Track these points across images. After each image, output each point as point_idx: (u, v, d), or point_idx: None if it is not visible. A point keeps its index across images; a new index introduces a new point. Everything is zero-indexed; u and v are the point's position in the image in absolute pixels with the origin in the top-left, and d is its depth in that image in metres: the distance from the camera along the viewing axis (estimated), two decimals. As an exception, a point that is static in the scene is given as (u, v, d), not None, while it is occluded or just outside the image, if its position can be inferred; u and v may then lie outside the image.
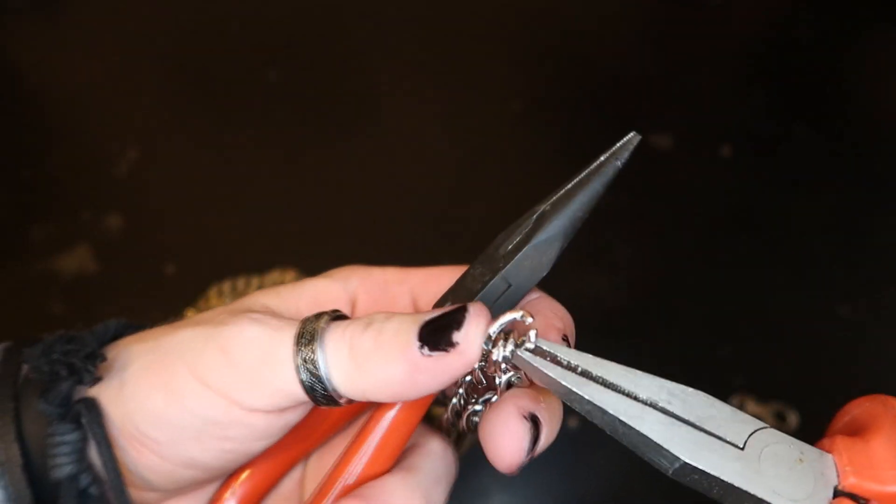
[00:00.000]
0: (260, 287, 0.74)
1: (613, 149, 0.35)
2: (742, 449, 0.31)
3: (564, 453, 0.69)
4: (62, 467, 0.33)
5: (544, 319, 0.34)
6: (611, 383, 0.31)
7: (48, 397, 0.33)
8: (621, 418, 0.30)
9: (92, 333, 0.37)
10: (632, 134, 0.35)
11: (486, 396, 0.35)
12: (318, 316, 0.33)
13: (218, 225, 0.82)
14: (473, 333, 0.31)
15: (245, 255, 0.78)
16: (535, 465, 0.68)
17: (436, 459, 0.36)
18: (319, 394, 0.32)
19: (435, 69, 0.93)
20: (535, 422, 0.32)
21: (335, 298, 0.38)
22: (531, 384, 0.33)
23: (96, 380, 0.34)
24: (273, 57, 0.94)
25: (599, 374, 0.31)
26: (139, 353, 0.35)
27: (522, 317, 0.32)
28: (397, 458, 0.35)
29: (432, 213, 0.79)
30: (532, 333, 0.32)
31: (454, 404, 0.36)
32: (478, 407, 0.35)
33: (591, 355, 0.32)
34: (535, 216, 0.35)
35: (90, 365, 0.34)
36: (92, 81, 0.93)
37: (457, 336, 0.31)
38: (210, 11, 0.99)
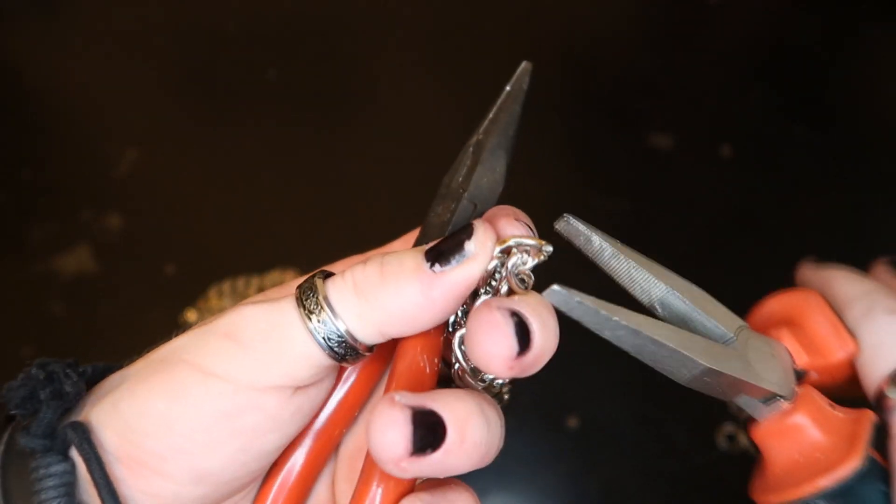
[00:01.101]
0: (260, 287, 0.75)
1: (513, 80, 0.38)
2: (737, 347, 0.36)
3: (564, 453, 0.69)
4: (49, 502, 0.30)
5: (498, 212, 0.35)
6: (631, 275, 0.37)
7: (31, 429, 0.31)
8: (653, 337, 0.33)
9: (69, 364, 0.35)
10: (523, 63, 0.38)
11: None
12: (308, 277, 0.33)
13: (218, 225, 0.82)
14: (484, 238, 0.31)
15: (245, 255, 0.79)
16: (536, 465, 0.68)
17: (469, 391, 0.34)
18: (336, 344, 0.31)
19: (435, 69, 0.93)
20: (519, 317, 0.30)
21: None
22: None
23: (79, 387, 0.32)
24: (273, 57, 0.94)
25: (622, 263, 0.37)
26: (132, 371, 0.33)
27: (542, 245, 0.33)
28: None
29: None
30: (547, 247, 0.33)
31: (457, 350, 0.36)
32: None
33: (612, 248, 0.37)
34: (471, 148, 0.37)
35: (69, 370, 0.33)
36: (92, 81, 0.93)
37: (469, 245, 0.31)
38: (210, 11, 0.99)
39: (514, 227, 0.34)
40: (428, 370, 0.33)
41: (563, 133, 0.88)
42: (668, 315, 0.37)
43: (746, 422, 0.39)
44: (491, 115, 0.38)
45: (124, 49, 0.96)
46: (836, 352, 0.39)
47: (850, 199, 0.82)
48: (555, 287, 0.31)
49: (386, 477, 0.31)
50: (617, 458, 0.69)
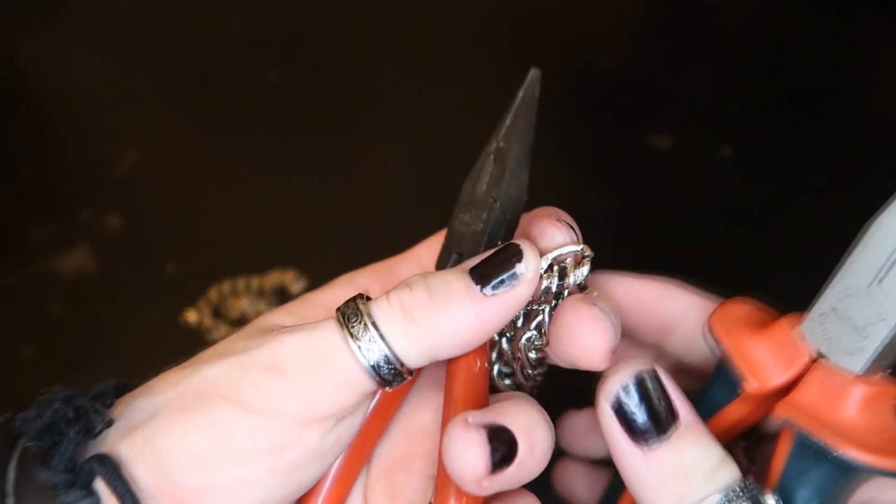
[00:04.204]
0: (260, 287, 0.74)
1: (525, 86, 0.38)
2: None
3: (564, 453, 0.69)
4: None
5: (536, 213, 0.36)
6: None
7: (51, 462, 0.29)
8: None
9: (88, 389, 0.33)
10: (532, 70, 0.38)
11: (538, 320, 0.36)
12: (349, 301, 0.32)
13: (218, 225, 0.82)
14: (534, 262, 0.32)
15: (245, 255, 0.79)
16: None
17: (523, 396, 0.35)
18: (384, 370, 0.30)
19: (435, 70, 0.93)
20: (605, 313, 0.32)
21: (348, 297, 0.36)
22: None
23: (108, 423, 0.30)
24: (273, 58, 0.94)
25: None
26: (162, 402, 0.31)
27: (584, 250, 0.34)
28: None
29: (433, 213, 0.79)
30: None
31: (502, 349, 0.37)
32: (538, 342, 0.36)
33: None
34: (491, 155, 0.37)
35: (98, 405, 0.31)
36: (92, 81, 0.93)
37: (520, 267, 0.31)
38: (210, 12, 0.99)
39: (558, 229, 0.34)
40: (480, 378, 0.34)
41: (561, 132, 0.88)
42: None
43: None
44: (508, 122, 0.38)
45: (124, 49, 0.96)
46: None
47: (851, 199, 0.82)
48: None
49: (461, 494, 0.32)
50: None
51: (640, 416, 0.31)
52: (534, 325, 0.35)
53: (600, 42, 0.96)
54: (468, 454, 0.29)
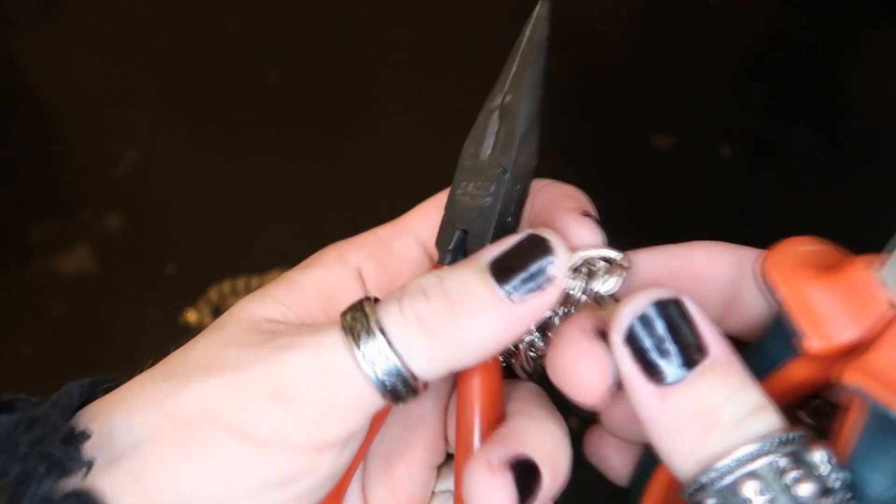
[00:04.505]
0: (260, 287, 0.74)
1: (531, 24, 0.33)
2: None
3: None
4: None
5: (555, 201, 0.32)
6: None
7: (21, 501, 0.25)
8: None
9: (54, 406, 0.29)
10: (539, 6, 0.33)
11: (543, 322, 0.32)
12: (355, 308, 0.28)
13: (218, 225, 0.82)
14: (566, 263, 0.28)
15: (245, 255, 0.78)
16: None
17: (534, 393, 0.32)
18: (401, 389, 0.27)
19: (435, 70, 0.93)
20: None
21: (340, 280, 0.34)
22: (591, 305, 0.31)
23: (88, 465, 0.27)
24: (273, 58, 0.94)
25: None
26: (147, 426, 0.28)
27: (622, 260, 0.30)
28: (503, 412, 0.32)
29: (432, 213, 0.79)
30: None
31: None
32: (540, 344, 0.32)
33: None
34: (496, 112, 0.33)
35: (73, 451, 0.27)
36: (92, 81, 0.93)
37: (552, 269, 0.28)
38: (210, 12, 0.99)
39: (586, 228, 0.31)
40: (495, 371, 0.31)
41: (562, 132, 0.87)
42: None
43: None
44: (514, 70, 0.33)
45: (124, 49, 0.96)
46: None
47: (851, 199, 0.82)
48: None
49: None
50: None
51: (653, 347, 0.27)
52: (537, 327, 0.32)
53: (600, 42, 0.96)
54: (496, 500, 0.27)
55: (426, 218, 0.36)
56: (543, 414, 0.31)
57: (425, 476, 0.34)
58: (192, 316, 0.74)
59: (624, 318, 0.27)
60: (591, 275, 0.31)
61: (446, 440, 0.34)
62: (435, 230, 0.34)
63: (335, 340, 0.27)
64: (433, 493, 0.35)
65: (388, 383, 0.27)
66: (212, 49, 0.96)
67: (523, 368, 0.34)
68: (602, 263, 0.31)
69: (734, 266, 0.34)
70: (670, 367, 0.27)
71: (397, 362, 0.27)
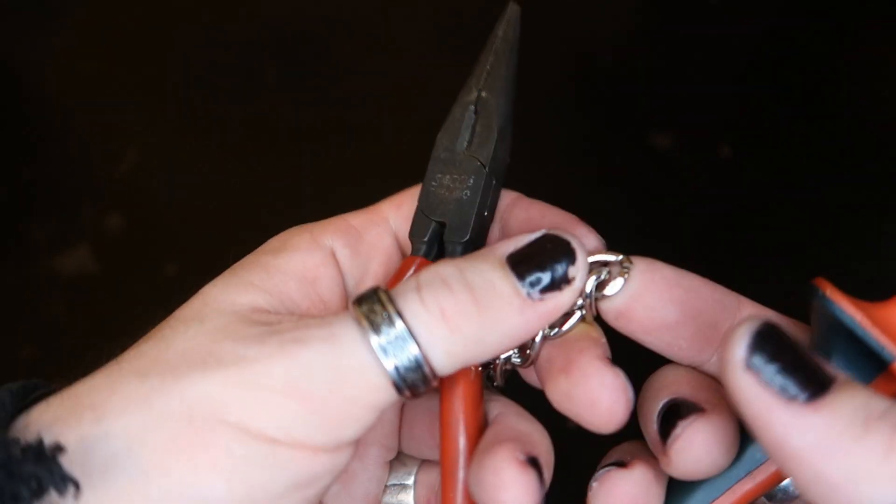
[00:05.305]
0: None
1: (503, 23, 0.34)
2: None
3: (564, 453, 0.69)
4: None
5: (544, 211, 0.32)
6: None
7: None
8: None
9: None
10: (511, 6, 0.33)
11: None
12: (369, 297, 0.27)
13: (218, 225, 0.82)
14: (585, 267, 0.28)
15: (245, 256, 0.78)
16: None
17: (509, 401, 0.32)
18: (418, 383, 0.26)
19: (435, 71, 0.93)
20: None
21: (317, 265, 0.33)
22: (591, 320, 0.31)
23: (76, 485, 0.23)
24: (274, 58, 0.94)
25: None
26: (136, 430, 0.25)
27: (622, 262, 0.30)
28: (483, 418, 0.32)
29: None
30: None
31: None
32: (516, 360, 0.32)
33: None
34: (473, 106, 0.33)
35: (55, 469, 0.23)
36: (92, 81, 0.93)
37: (573, 270, 0.28)
38: (210, 12, 0.99)
39: (590, 232, 0.32)
40: (476, 378, 0.32)
41: (561, 132, 0.88)
42: None
43: None
44: (489, 66, 0.33)
45: (124, 49, 0.96)
46: None
47: (851, 199, 0.82)
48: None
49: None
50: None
51: (783, 367, 0.24)
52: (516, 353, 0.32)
53: (600, 41, 0.96)
54: (526, 498, 0.28)
55: (398, 209, 0.37)
56: (530, 418, 0.31)
57: (379, 471, 0.34)
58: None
59: (737, 346, 0.25)
60: (600, 284, 0.31)
61: (399, 437, 0.35)
62: (407, 222, 0.35)
63: (349, 331, 0.26)
64: (385, 486, 0.35)
65: (407, 378, 0.26)
66: (212, 49, 0.96)
67: (491, 380, 0.34)
68: (606, 270, 0.31)
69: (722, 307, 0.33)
70: (803, 384, 0.24)
71: (419, 355, 0.26)
